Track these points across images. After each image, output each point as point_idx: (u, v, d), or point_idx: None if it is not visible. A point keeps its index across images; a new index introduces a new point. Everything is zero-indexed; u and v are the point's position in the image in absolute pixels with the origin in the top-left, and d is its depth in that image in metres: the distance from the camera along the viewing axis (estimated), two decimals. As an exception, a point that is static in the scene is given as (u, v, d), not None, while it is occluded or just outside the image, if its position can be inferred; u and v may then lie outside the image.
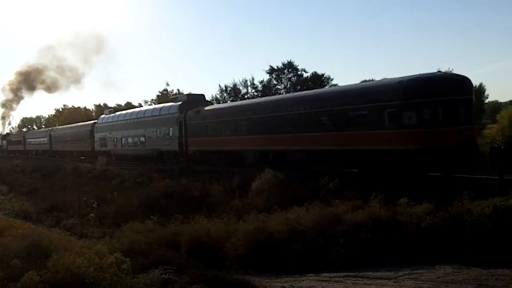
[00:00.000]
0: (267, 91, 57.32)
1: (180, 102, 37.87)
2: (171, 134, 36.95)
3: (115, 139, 47.11)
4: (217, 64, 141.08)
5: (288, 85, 58.44)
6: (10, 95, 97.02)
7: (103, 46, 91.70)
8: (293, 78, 59.14)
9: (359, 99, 21.03)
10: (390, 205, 13.30)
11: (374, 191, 14.49)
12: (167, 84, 77.11)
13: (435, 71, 21.05)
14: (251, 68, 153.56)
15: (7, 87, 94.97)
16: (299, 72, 59.09)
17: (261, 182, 20.04)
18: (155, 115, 40.59)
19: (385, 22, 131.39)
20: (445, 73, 19.27)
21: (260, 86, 60.03)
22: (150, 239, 13.87)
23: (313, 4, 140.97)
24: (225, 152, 30.47)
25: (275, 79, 59.76)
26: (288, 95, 32.99)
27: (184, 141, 35.07)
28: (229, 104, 44.09)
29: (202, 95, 41.55)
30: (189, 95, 40.44)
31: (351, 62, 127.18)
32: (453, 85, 19.16)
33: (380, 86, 21.47)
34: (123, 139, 45.46)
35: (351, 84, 25.56)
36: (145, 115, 42.74)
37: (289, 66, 58.78)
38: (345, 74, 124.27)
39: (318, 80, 58.13)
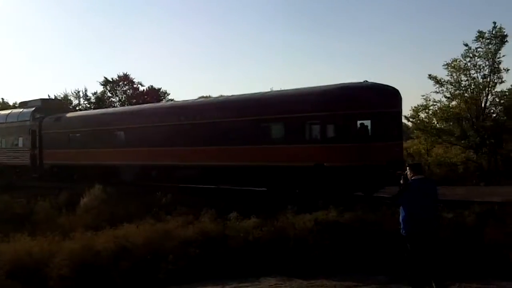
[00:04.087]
0: (100, 103, 55.47)
1: (33, 108, 32.48)
2: (21, 145, 32.07)
3: None
4: (47, 72, 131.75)
5: (123, 98, 57.22)
6: None
7: None
8: (128, 91, 58.08)
9: (274, 108, 18.98)
10: (221, 220, 13.55)
11: (205, 206, 14.64)
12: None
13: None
14: (84, 79, 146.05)
15: None
16: (135, 85, 58.25)
17: (90, 198, 19.41)
18: (0, 123, 34.68)
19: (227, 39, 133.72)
20: (374, 83, 18.23)
21: (93, 98, 58.00)
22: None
23: (153, 17, 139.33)
24: (93, 167, 26.15)
25: (109, 91, 58.17)
26: (182, 102, 27.76)
27: (38, 153, 30.43)
28: (101, 110, 37.63)
29: (61, 100, 36.35)
30: (44, 100, 34.58)
31: (189, 79, 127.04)
32: (384, 97, 17.93)
33: (301, 96, 19.13)
34: None
35: (264, 92, 22.09)
36: None
37: (125, 78, 57.64)
38: (182, 90, 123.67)
39: (155, 94, 57.73)
